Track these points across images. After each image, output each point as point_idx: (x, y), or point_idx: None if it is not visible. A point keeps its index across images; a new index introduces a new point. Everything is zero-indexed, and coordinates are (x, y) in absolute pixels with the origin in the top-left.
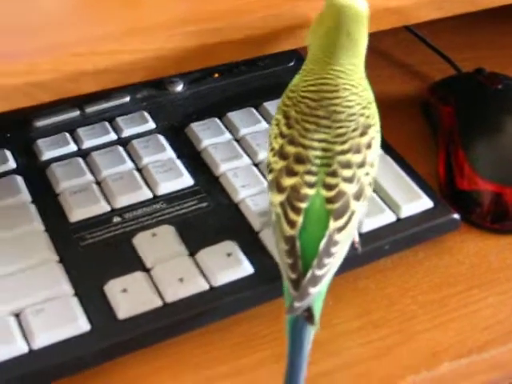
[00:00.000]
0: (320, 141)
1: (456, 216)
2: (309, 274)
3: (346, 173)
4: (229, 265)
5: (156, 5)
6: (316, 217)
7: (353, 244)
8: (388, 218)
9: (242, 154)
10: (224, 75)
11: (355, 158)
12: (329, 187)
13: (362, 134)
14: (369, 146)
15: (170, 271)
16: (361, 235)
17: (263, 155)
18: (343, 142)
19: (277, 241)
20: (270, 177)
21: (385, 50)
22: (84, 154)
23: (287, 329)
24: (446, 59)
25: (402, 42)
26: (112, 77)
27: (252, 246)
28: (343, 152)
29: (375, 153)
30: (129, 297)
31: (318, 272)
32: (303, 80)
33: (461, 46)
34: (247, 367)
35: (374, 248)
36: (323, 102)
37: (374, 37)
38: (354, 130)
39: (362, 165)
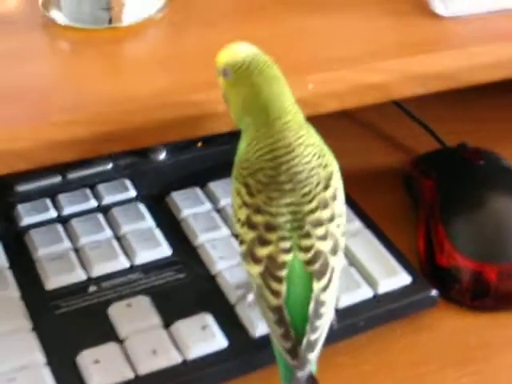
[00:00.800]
0: (287, 205)
1: (434, 293)
2: (305, 341)
3: (319, 231)
4: (203, 338)
5: (136, 77)
6: (298, 281)
7: None
8: (365, 293)
9: (222, 224)
10: (207, 144)
11: (324, 214)
12: (305, 249)
13: (326, 187)
14: (334, 198)
15: (144, 343)
16: (336, 311)
17: None
18: (310, 201)
19: (263, 311)
20: (242, 248)
21: (371, 122)
22: (63, 220)
23: None
24: (430, 133)
25: (389, 114)
26: (89, 147)
27: (227, 319)
28: (312, 211)
29: (341, 201)
30: (101, 368)
31: (313, 336)
32: (254, 150)
33: (446, 119)
34: None
35: (349, 324)
36: (282, 167)
37: (360, 109)
38: (318, 185)
39: (331, 219)
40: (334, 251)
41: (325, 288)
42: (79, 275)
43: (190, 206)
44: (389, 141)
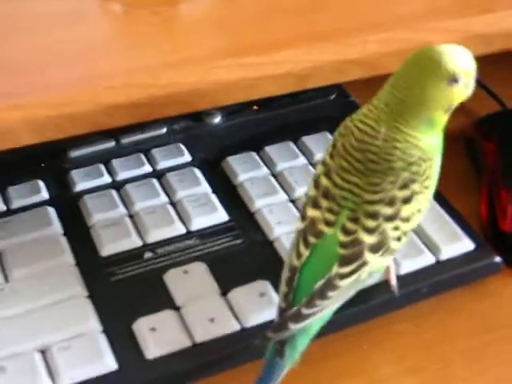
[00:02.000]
0: (350, 183)
1: (497, 259)
2: (293, 310)
3: (369, 223)
4: (261, 305)
5: (194, 37)
6: (324, 256)
7: (390, 286)
8: (427, 259)
9: (279, 189)
10: (263, 108)
11: (384, 210)
12: (346, 232)
13: (402, 187)
14: (407, 201)
15: (201, 310)
16: (398, 277)
17: (300, 191)
18: (375, 192)
19: (284, 266)
20: (304, 203)
21: None
22: (118, 186)
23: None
24: (492, 95)
25: None
26: (146, 110)
27: None
28: (372, 202)
29: (415, 208)
30: (157, 336)
31: (305, 311)
32: (361, 113)
33: (509, 81)
34: None
35: (411, 291)
36: (361, 145)
37: None
38: (392, 183)
39: (391, 218)
40: (376, 249)
41: (344, 276)
42: (134, 241)
43: (246, 170)
44: None
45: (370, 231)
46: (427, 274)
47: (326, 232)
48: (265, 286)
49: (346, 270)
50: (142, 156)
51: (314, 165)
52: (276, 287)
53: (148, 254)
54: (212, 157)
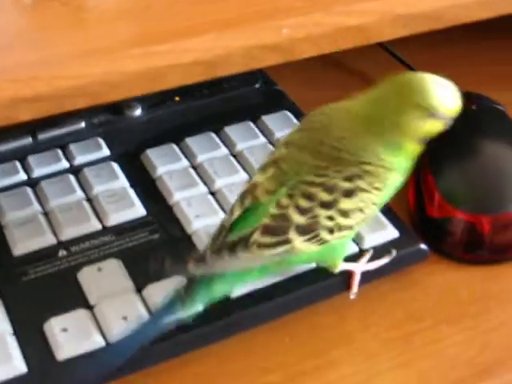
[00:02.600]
0: (299, 161)
1: (423, 246)
2: (200, 252)
3: (302, 202)
4: None
5: (102, 27)
6: (251, 222)
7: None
8: (349, 249)
9: (199, 181)
10: (185, 98)
11: (321, 195)
12: (278, 205)
13: (347, 179)
14: (348, 194)
15: (115, 308)
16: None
17: (220, 183)
18: (318, 175)
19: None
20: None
21: (359, 69)
22: (33, 183)
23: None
24: None
25: (377, 61)
26: (53, 103)
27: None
28: (312, 183)
29: (356, 205)
30: (69, 336)
31: (209, 256)
32: (342, 106)
33: (436, 63)
34: None
35: (333, 282)
36: (322, 130)
37: (348, 56)
38: (338, 172)
39: (327, 206)
40: (304, 232)
41: (262, 245)
42: (48, 239)
43: (165, 163)
44: None
45: (301, 211)
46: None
47: (261, 200)
48: (181, 282)
49: (265, 240)
50: (59, 151)
51: (235, 155)
52: None
53: (62, 252)
54: (131, 150)
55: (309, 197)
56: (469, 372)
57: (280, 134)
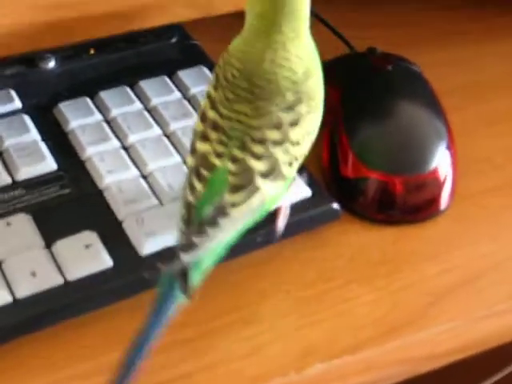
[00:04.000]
0: (237, 112)
1: (336, 205)
2: (184, 239)
3: (256, 149)
4: (86, 257)
5: None
6: (217, 188)
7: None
8: None
9: (112, 136)
10: (100, 51)
11: (271, 135)
12: (234, 160)
13: (288, 109)
14: (294, 124)
15: (23, 264)
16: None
17: (133, 138)
18: (260, 117)
19: (179, 205)
20: (191, 138)
21: None
22: None
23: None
24: (338, 36)
25: None
26: None
27: (114, 238)
28: (258, 127)
29: (304, 130)
30: None
31: (196, 239)
32: (236, 43)
33: (354, 23)
34: (106, 367)
35: (247, 239)
36: (245, 72)
37: None
38: (277, 105)
39: (279, 142)
40: (268, 175)
41: (235, 204)
42: None
43: (78, 117)
44: None
45: (258, 157)
46: (261, 223)
47: (217, 164)
48: (91, 236)
49: (237, 197)
50: None
51: (149, 110)
52: (103, 238)
53: None
54: (44, 103)
55: (260, 141)
56: (378, 331)
57: (196, 89)
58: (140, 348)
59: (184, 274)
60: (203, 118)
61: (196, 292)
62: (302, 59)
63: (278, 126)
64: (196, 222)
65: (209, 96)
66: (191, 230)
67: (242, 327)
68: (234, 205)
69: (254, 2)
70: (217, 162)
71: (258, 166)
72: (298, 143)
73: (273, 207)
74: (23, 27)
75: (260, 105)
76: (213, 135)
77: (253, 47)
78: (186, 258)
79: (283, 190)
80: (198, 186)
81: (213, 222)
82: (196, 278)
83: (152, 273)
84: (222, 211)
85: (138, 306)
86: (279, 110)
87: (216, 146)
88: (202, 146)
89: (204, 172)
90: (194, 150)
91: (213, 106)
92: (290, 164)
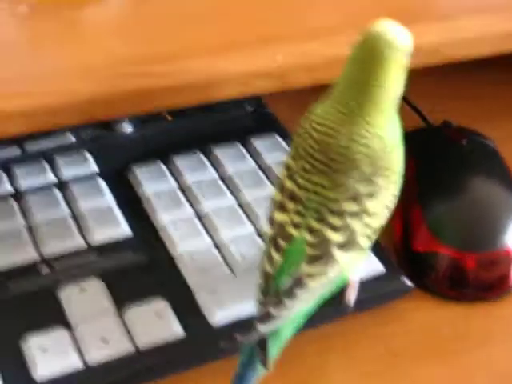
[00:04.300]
0: (314, 183)
1: (407, 282)
2: (261, 311)
3: (334, 220)
4: (157, 325)
5: (94, 45)
6: (295, 259)
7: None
8: None
9: (185, 203)
10: (176, 117)
11: (348, 207)
12: (311, 231)
13: (366, 182)
14: (371, 195)
15: (95, 330)
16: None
17: (207, 206)
18: (337, 189)
19: (258, 275)
20: (270, 208)
21: None
22: (18, 195)
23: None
24: (414, 110)
25: None
26: (43, 119)
27: (185, 306)
28: (335, 199)
29: (381, 203)
30: (48, 356)
31: (274, 311)
32: (317, 112)
33: (430, 96)
34: None
35: (317, 312)
36: (322, 144)
37: None
38: (355, 178)
39: (357, 214)
40: (345, 247)
41: (312, 275)
42: (31, 255)
43: (152, 182)
44: None
45: (335, 228)
46: (335, 296)
47: (295, 234)
48: (163, 305)
49: (315, 268)
50: (46, 165)
51: (223, 178)
52: (175, 306)
53: (45, 269)
54: (119, 167)
55: (338, 213)
56: None
57: (269, 156)
58: None
59: (263, 345)
60: (281, 188)
61: (274, 362)
62: (381, 137)
63: (354, 198)
64: (273, 292)
65: (287, 166)
66: (269, 300)
67: None
68: (311, 276)
69: (346, 77)
70: (294, 232)
71: (335, 237)
72: (375, 215)
73: (350, 277)
74: (103, 95)
75: (336, 177)
76: (290, 205)
77: (332, 120)
78: (263, 328)
79: (360, 261)
80: (276, 256)
81: (290, 293)
82: (274, 348)
83: (228, 343)
84: (299, 282)
85: (207, 375)
86: (355, 182)
87: (293, 216)
88: (280, 216)
89: (281, 242)
90: (271, 220)
91: (290, 176)
92: (367, 235)
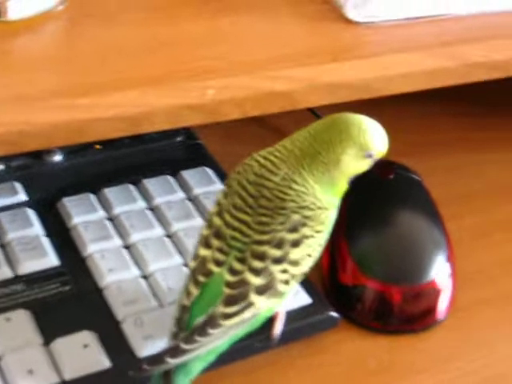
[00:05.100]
0: (241, 221)
1: (334, 314)
2: (172, 344)
3: (256, 264)
4: (84, 357)
5: (26, 75)
6: (211, 296)
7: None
8: None
9: (114, 234)
10: (106, 147)
11: (272, 252)
12: (233, 272)
13: (292, 230)
14: (296, 244)
15: (21, 361)
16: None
17: (136, 237)
18: (263, 233)
19: (175, 308)
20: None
21: (282, 127)
22: None
23: None
24: None
25: (301, 120)
26: None
27: (112, 338)
28: (260, 242)
29: (304, 252)
30: None
31: (184, 346)
32: (267, 151)
33: None
34: None
35: (243, 344)
36: (259, 179)
37: (272, 114)
38: (282, 224)
39: (279, 261)
40: (263, 291)
41: (227, 316)
42: None
43: (81, 213)
44: None
45: (256, 272)
46: (261, 328)
47: (215, 271)
48: (89, 336)
49: (230, 310)
50: None
51: (152, 209)
52: (102, 338)
53: None
54: (49, 197)
55: (261, 256)
56: None
57: (198, 189)
58: None
59: (168, 378)
60: (209, 223)
61: None
62: (316, 197)
63: (279, 245)
64: (187, 327)
65: (218, 202)
66: (181, 334)
67: None
68: (226, 316)
69: (318, 139)
70: (214, 268)
71: (255, 281)
72: (296, 263)
73: (265, 319)
74: (36, 127)
75: (264, 220)
76: (215, 242)
77: (276, 157)
78: (171, 361)
79: (277, 305)
80: (194, 290)
81: (202, 331)
82: (182, 381)
83: (136, 373)
84: (213, 322)
85: None
86: (283, 230)
87: (216, 253)
88: (204, 252)
89: (201, 278)
90: (196, 255)
91: (219, 212)
92: (287, 282)
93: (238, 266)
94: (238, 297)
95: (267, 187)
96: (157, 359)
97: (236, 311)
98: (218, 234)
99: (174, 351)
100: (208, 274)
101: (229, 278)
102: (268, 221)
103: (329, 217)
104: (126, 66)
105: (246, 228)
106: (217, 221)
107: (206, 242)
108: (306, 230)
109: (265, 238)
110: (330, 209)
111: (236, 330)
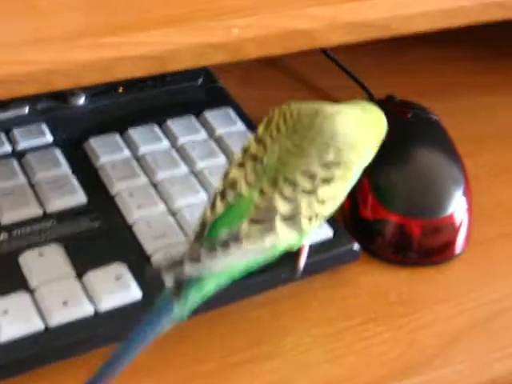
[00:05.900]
0: (278, 146)
1: (356, 247)
2: (193, 253)
3: (286, 189)
4: (116, 288)
5: (53, 17)
6: (238, 215)
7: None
8: None
9: (140, 172)
10: (129, 90)
11: (303, 182)
12: (262, 194)
13: (325, 166)
14: (326, 182)
15: (55, 293)
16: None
17: (161, 175)
18: (299, 157)
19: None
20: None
21: (297, 71)
22: None
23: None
24: (358, 84)
25: (316, 63)
26: (5, 88)
27: (143, 270)
28: (294, 167)
29: (331, 193)
30: (9, 318)
31: (204, 254)
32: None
33: (375, 70)
34: None
35: (269, 276)
36: (299, 115)
37: (286, 57)
38: (318, 156)
39: (308, 193)
40: (287, 219)
41: (250, 235)
42: None
43: (108, 152)
44: (315, 91)
45: (284, 198)
46: (285, 260)
47: (244, 192)
48: (121, 268)
49: (253, 231)
50: (3, 135)
51: (177, 149)
52: (133, 270)
53: (3, 236)
54: (74, 138)
55: (291, 183)
56: (395, 369)
57: (221, 129)
58: (122, 353)
59: (180, 287)
60: (245, 149)
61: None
62: (356, 143)
63: (311, 176)
64: (208, 240)
65: (256, 133)
66: (202, 244)
67: (262, 362)
68: (248, 236)
69: None
70: (245, 189)
71: (282, 207)
72: (322, 202)
73: (282, 254)
74: (64, 65)
75: (304, 145)
76: (249, 164)
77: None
78: (188, 269)
79: (296, 242)
80: (219, 206)
81: (225, 245)
82: (193, 297)
83: (155, 272)
84: (236, 237)
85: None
86: (318, 166)
87: (248, 174)
88: (235, 173)
89: (230, 195)
90: (226, 175)
91: (259, 140)
92: (310, 219)
93: (268, 188)
94: (263, 218)
95: (310, 122)
96: (176, 264)
97: (259, 233)
98: (255, 157)
99: (193, 258)
100: (237, 193)
101: (257, 200)
102: (307, 146)
103: (360, 163)
104: (152, 5)
105: (285, 155)
106: (253, 146)
107: (239, 164)
108: (337, 172)
109: (299, 162)
110: (365, 157)
111: (254, 254)
